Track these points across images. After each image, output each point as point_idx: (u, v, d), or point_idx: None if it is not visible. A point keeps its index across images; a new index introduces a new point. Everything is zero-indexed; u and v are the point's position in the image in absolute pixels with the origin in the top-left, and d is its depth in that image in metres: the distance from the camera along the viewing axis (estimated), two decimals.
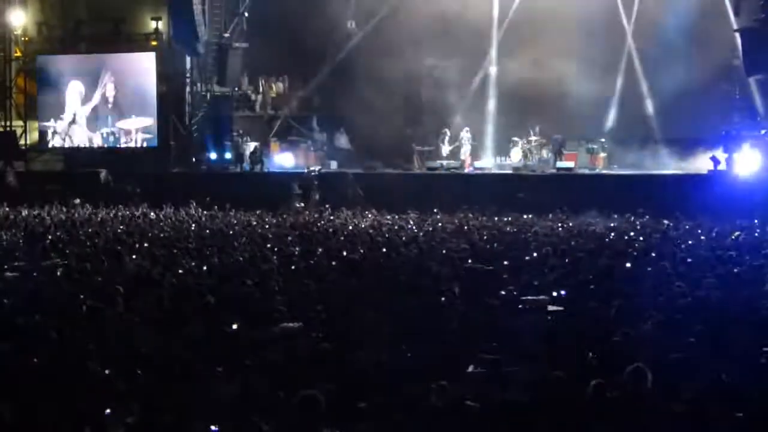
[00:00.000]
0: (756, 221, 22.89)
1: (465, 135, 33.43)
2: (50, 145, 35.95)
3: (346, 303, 12.04)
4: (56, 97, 35.62)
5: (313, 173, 31.69)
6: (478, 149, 33.63)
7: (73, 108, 35.36)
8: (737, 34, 31.47)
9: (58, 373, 8.73)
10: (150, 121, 34.60)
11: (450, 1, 33.13)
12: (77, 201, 29.80)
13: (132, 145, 34.96)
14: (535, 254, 16.51)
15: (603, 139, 32.73)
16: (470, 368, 9.55)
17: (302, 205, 29.21)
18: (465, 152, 33.31)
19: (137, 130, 34.85)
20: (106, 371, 8.69)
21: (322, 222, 24.10)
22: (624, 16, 33.46)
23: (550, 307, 11.42)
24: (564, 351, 9.91)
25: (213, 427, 7.84)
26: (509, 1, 33.73)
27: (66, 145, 35.76)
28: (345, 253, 16.77)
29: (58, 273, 14.16)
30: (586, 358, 9.69)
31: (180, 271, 14.42)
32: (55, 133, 35.59)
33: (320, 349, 9.64)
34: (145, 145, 34.89)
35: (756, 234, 20.85)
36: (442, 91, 34.07)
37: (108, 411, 7.92)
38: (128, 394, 8.24)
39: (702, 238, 19.79)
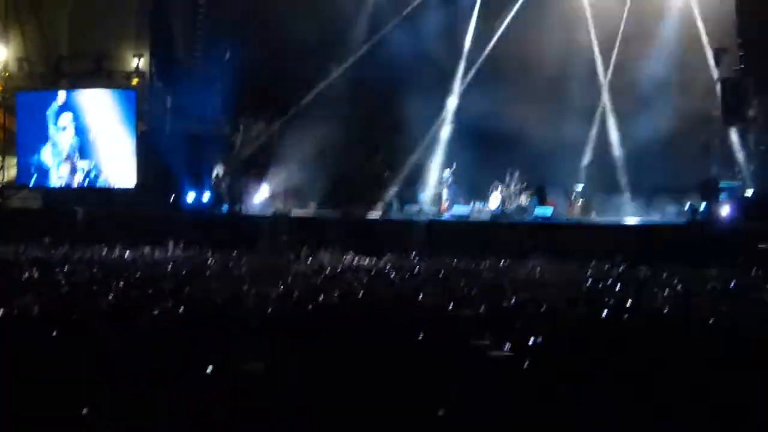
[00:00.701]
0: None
1: (447, 176, 33.49)
2: (31, 183, 35.80)
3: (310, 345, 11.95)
4: (35, 134, 35.55)
5: (280, 214, 31.75)
6: (457, 193, 33.64)
7: (60, 145, 35.30)
8: (717, 85, 31.72)
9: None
10: (127, 160, 34.53)
11: (430, 45, 33.50)
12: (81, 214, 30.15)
13: (110, 183, 34.82)
14: (512, 301, 16.44)
15: (579, 188, 32.82)
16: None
17: (269, 245, 29.16)
18: (445, 194, 33.34)
19: (114, 167, 34.77)
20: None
21: (299, 263, 24.02)
22: (601, 66, 33.82)
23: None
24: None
25: None
26: (482, 45, 34.12)
27: (51, 184, 35.62)
28: (321, 297, 16.68)
29: (34, 311, 14.02)
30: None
31: (155, 312, 14.31)
32: (38, 169, 35.46)
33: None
34: (121, 183, 34.75)
35: (732, 285, 20.85)
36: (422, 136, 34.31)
37: None
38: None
39: (678, 287, 19.76)
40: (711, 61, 32.33)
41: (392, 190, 34.19)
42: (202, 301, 15.92)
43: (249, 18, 33.39)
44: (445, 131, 34.90)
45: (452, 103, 35.11)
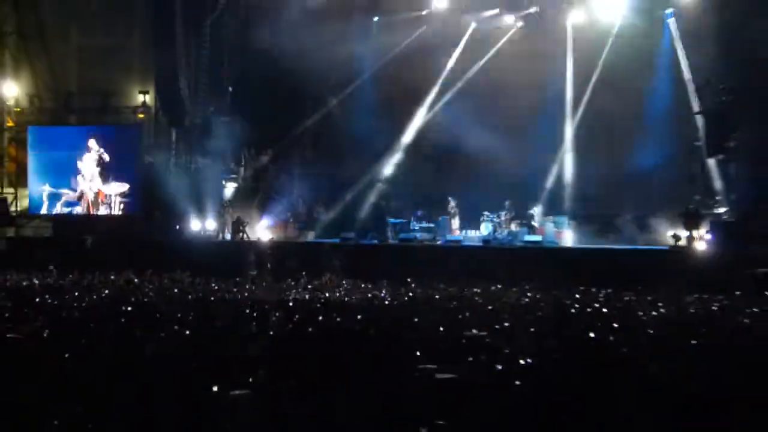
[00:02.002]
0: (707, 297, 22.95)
1: (453, 206, 33.69)
2: (42, 211, 35.86)
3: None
4: (47, 166, 35.65)
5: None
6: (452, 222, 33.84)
7: (70, 176, 35.41)
8: (699, 117, 31.94)
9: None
10: (126, 187, 34.62)
11: (420, 73, 33.81)
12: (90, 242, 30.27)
13: (114, 211, 34.88)
14: (506, 324, 16.48)
15: (566, 216, 32.99)
16: None
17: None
18: (455, 223, 33.58)
19: (117, 194, 34.84)
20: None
21: (299, 290, 24.06)
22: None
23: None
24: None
25: None
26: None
27: (59, 212, 35.68)
28: (321, 319, 16.72)
29: (44, 335, 14.07)
30: None
31: (162, 334, 14.36)
32: (53, 197, 35.54)
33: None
34: (122, 209, 34.83)
35: (714, 308, 20.94)
36: (417, 168, 34.57)
37: None
38: None
39: (662, 310, 19.83)
40: (693, 95, 32.53)
41: (389, 220, 34.31)
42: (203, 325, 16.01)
43: (250, 59, 33.48)
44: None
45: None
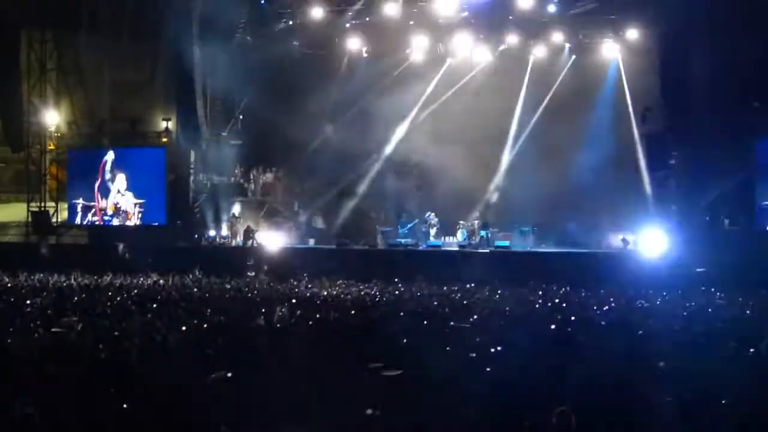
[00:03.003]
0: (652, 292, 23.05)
1: (432, 219, 33.71)
2: (77, 221, 35.84)
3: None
4: (83, 183, 35.70)
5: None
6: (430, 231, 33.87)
7: (104, 192, 35.43)
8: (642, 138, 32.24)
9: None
10: (159, 203, 34.74)
11: (408, 97, 34.16)
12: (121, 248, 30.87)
13: (134, 221, 34.92)
14: (476, 317, 16.50)
15: (531, 225, 33.07)
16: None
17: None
18: (433, 232, 33.57)
19: (135, 205, 34.90)
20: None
21: (301, 289, 24.09)
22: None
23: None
24: None
25: None
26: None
27: (93, 222, 35.66)
28: (319, 315, 16.74)
29: (80, 328, 14.07)
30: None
31: (183, 327, 14.38)
32: (85, 209, 35.51)
33: None
34: (140, 218, 34.97)
35: (657, 302, 21.06)
36: (402, 181, 34.73)
37: None
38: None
39: (613, 305, 19.91)
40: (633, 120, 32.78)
41: (378, 228, 34.39)
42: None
43: (258, 91, 33.56)
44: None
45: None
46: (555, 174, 32.39)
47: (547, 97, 34.30)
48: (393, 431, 8.63)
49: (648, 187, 32.27)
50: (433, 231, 33.58)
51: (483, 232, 32.91)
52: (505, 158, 34.61)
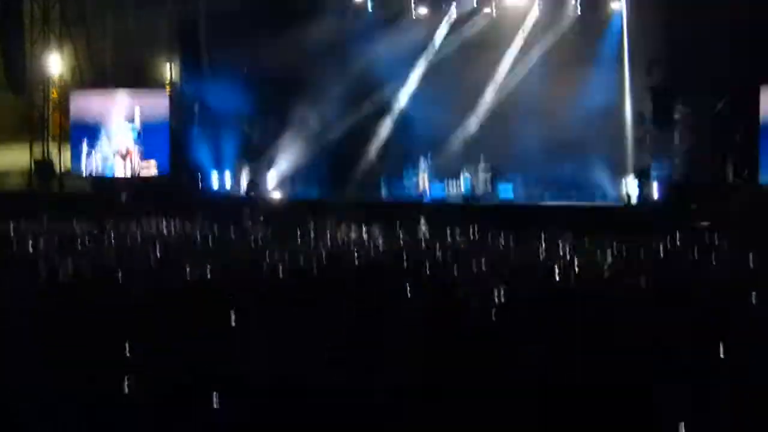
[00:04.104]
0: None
1: (422, 164, 33.60)
2: (81, 171, 35.84)
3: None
4: (86, 130, 35.65)
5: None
6: (433, 176, 33.76)
7: (105, 138, 35.39)
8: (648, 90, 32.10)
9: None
10: (162, 152, 34.73)
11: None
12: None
13: (148, 171, 34.88)
14: (483, 268, 16.55)
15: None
16: None
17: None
18: (423, 178, 33.45)
19: (138, 154, 34.95)
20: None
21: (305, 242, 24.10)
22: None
23: None
24: None
25: None
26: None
27: (99, 172, 35.64)
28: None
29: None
30: None
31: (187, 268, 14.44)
32: (88, 157, 35.47)
33: None
34: (157, 171, 34.87)
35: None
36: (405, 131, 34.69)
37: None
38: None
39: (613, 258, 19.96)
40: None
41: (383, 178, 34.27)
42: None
43: (262, 34, 33.28)
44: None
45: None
46: (552, 124, 32.30)
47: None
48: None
49: (651, 140, 32.21)
50: (423, 176, 33.41)
51: (497, 184, 32.81)
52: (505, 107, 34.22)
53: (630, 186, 31.34)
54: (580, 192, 32.08)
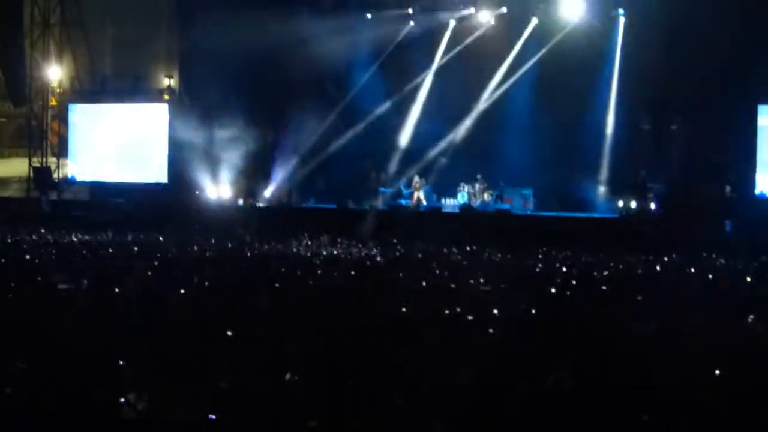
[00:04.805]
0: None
1: (417, 181, 33.65)
2: (78, 179, 35.96)
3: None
4: (84, 140, 35.75)
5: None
6: (430, 192, 33.85)
7: (105, 149, 35.47)
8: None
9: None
10: (160, 161, 34.77)
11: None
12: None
13: (146, 180, 34.95)
14: (481, 279, 16.49)
15: (532, 188, 32.97)
16: None
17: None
18: (418, 195, 33.53)
19: (137, 162, 35.26)
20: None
21: (301, 249, 24.08)
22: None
23: None
24: None
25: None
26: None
27: (93, 179, 35.75)
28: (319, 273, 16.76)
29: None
30: None
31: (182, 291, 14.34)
32: (86, 168, 35.65)
33: None
34: (154, 179, 34.98)
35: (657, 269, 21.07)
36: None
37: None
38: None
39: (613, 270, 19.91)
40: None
41: (381, 190, 34.28)
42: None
43: (261, 46, 33.20)
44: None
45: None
46: (555, 135, 32.33)
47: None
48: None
49: (649, 152, 32.22)
50: (417, 193, 33.54)
51: (492, 193, 32.88)
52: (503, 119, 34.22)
53: (627, 199, 31.34)
54: (577, 205, 32.07)
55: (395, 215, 31.68)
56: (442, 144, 34.17)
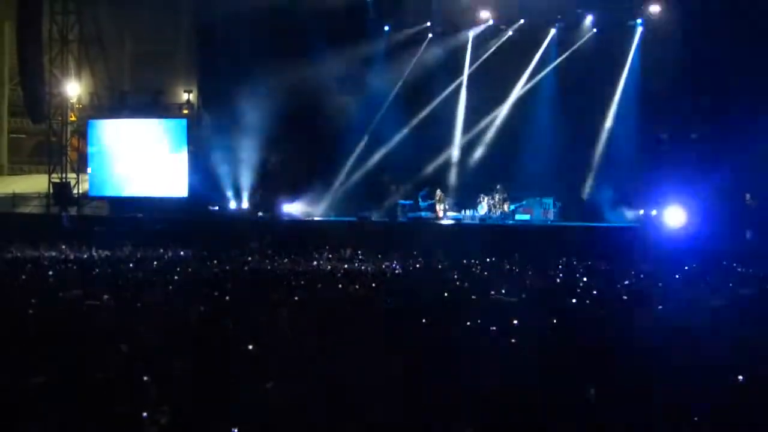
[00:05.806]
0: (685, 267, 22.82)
1: (439, 194, 33.64)
2: (98, 194, 36.11)
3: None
4: (104, 155, 35.87)
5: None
6: (451, 204, 33.89)
7: (125, 163, 35.60)
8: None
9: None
10: (180, 175, 34.89)
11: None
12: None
13: (166, 194, 35.04)
14: (492, 292, 16.38)
15: (552, 198, 32.92)
16: None
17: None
18: (440, 208, 33.51)
19: (156, 177, 35.36)
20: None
21: (322, 262, 24.04)
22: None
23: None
24: None
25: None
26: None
27: (113, 194, 35.90)
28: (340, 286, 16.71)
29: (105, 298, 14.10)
30: None
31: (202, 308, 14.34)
32: (106, 183, 35.80)
33: None
34: (174, 193, 35.08)
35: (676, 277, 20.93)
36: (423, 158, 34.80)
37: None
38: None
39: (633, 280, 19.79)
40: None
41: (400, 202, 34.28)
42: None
43: (280, 61, 33.24)
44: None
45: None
46: (576, 146, 32.36)
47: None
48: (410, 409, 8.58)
49: (669, 162, 32.15)
50: (440, 206, 33.55)
51: (504, 206, 32.90)
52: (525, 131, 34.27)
53: (646, 209, 31.30)
54: (594, 214, 32.05)
55: (415, 227, 31.72)
56: (457, 156, 34.45)
